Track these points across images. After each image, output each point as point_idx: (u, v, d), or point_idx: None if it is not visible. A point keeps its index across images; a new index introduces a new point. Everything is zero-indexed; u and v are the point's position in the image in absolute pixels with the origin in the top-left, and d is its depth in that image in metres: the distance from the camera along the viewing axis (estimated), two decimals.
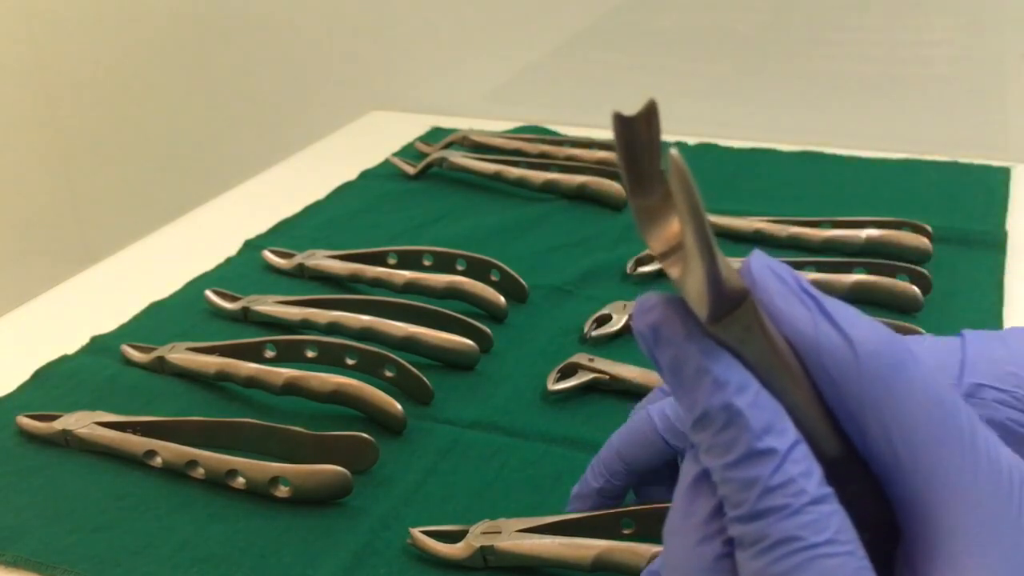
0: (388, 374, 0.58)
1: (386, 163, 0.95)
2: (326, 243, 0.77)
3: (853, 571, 0.23)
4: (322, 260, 0.73)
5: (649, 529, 0.44)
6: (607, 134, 0.97)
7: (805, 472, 0.24)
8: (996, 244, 0.75)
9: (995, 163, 0.90)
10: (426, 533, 0.47)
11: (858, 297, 0.66)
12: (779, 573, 0.23)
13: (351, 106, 1.14)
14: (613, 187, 0.84)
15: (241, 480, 0.51)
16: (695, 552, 0.25)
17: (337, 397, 0.56)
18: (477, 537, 0.45)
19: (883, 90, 0.98)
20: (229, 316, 0.68)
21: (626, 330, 0.64)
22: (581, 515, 0.45)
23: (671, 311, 0.24)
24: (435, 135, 1.02)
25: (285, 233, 0.82)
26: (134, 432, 0.54)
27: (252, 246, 0.79)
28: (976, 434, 0.25)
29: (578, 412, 0.57)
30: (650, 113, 0.23)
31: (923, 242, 0.72)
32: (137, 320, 0.69)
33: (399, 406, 0.55)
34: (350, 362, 0.58)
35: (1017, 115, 0.94)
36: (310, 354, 0.59)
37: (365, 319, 0.62)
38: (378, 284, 0.69)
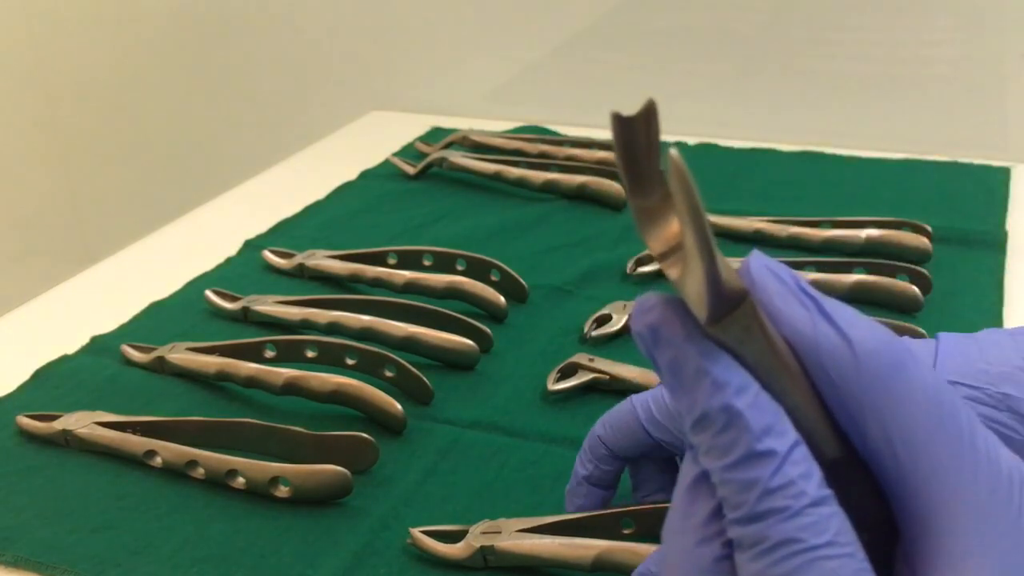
0: (388, 374, 0.58)
1: (386, 163, 0.95)
2: (326, 243, 0.77)
3: (853, 573, 0.23)
4: (322, 260, 0.73)
5: (649, 529, 0.44)
6: (607, 134, 0.97)
7: (805, 474, 0.24)
8: (996, 244, 0.75)
9: (995, 163, 0.90)
10: (426, 533, 0.47)
11: (858, 297, 0.66)
12: (779, 575, 0.23)
13: (351, 106, 1.14)
14: (613, 187, 0.84)
15: (241, 480, 0.51)
16: (694, 554, 0.25)
17: (337, 397, 0.56)
18: (477, 537, 0.45)
19: (883, 90, 0.98)
20: (229, 316, 0.68)
21: (626, 330, 0.64)
22: (581, 515, 0.45)
23: (670, 312, 0.24)
24: (435, 135, 1.02)
25: (285, 233, 0.82)
26: (134, 432, 0.54)
27: (252, 246, 0.79)
28: (976, 435, 0.25)
29: (578, 412, 0.57)
30: (649, 113, 0.23)
31: (923, 242, 0.72)
32: (137, 320, 0.69)
33: (399, 406, 0.55)
34: (350, 362, 0.58)
35: (1017, 115, 0.94)
36: (310, 354, 0.59)
37: (365, 319, 0.62)
38: (378, 284, 0.69)
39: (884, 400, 0.25)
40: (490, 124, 1.02)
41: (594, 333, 0.64)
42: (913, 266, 0.68)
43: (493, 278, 0.69)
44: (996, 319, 0.66)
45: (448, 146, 0.97)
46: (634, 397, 0.44)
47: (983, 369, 0.37)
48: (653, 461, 0.45)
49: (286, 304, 0.66)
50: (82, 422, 0.55)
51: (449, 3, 1.11)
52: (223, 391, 0.60)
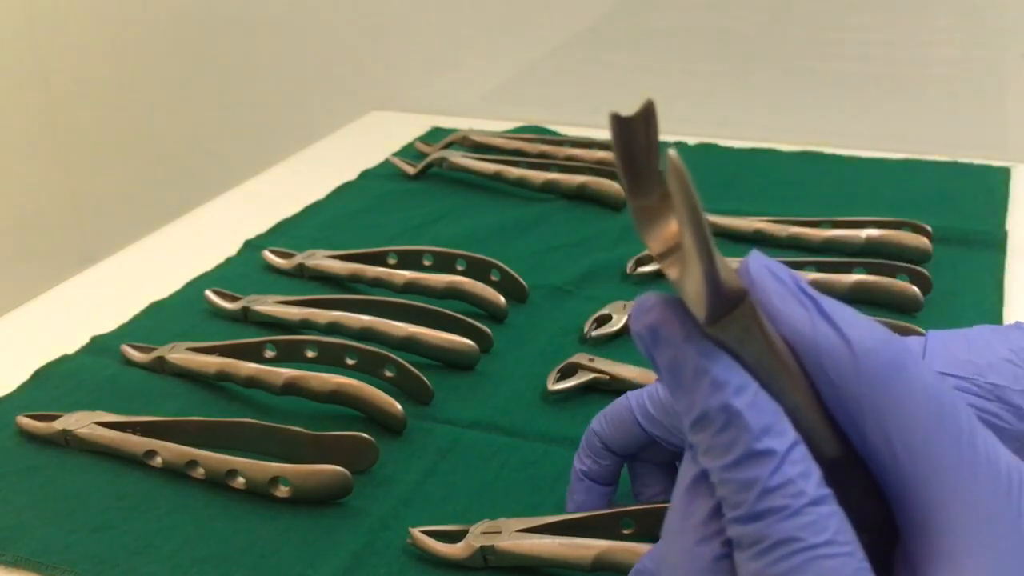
0: (388, 374, 0.58)
1: (386, 163, 0.95)
2: (326, 243, 0.77)
3: (852, 572, 0.23)
4: (322, 260, 0.73)
5: (649, 529, 0.44)
6: (607, 134, 0.97)
7: (804, 473, 0.24)
8: (996, 244, 0.75)
9: (995, 163, 0.90)
10: (426, 533, 0.47)
11: (858, 297, 0.66)
12: (778, 574, 0.23)
13: (351, 106, 1.14)
14: (613, 187, 0.84)
15: (241, 480, 0.51)
16: (694, 553, 0.25)
17: (337, 397, 0.56)
18: (477, 537, 0.45)
19: (883, 90, 0.98)
20: (229, 316, 0.68)
21: (626, 330, 0.64)
22: (581, 515, 0.45)
23: (669, 312, 0.24)
24: (435, 135, 1.02)
25: (285, 233, 0.82)
26: (134, 432, 0.54)
27: (252, 246, 0.79)
28: (975, 434, 0.25)
29: (578, 412, 0.57)
30: (648, 113, 0.23)
31: (923, 242, 0.72)
32: (137, 320, 0.69)
33: (399, 406, 0.55)
34: (350, 362, 0.58)
35: (1017, 115, 0.94)
36: (310, 354, 0.59)
37: (365, 319, 0.62)
38: (378, 284, 0.70)
39: (883, 400, 0.25)
40: (490, 124, 1.02)
41: (594, 333, 0.64)
42: (913, 266, 0.68)
43: (493, 278, 0.69)
44: (996, 319, 0.66)
45: (448, 146, 0.97)
46: (630, 393, 0.44)
47: (971, 361, 0.38)
48: (652, 463, 0.45)
49: (286, 304, 0.66)
50: (82, 422, 0.55)
51: (449, 3, 1.11)
52: (223, 391, 0.60)
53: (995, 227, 0.78)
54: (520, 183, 0.87)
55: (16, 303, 0.73)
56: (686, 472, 0.26)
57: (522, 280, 0.69)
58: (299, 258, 0.74)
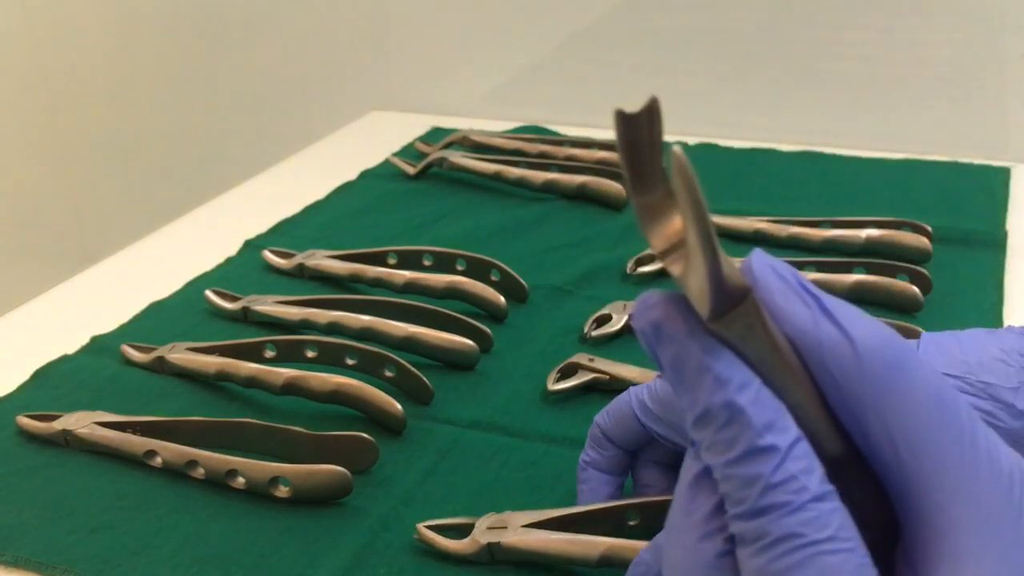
0: (388, 374, 0.58)
1: (386, 163, 0.95)
2: (326, 243, 0.77)
3: (854, 568, 0.23)
4: (322, 260, 0.73)
5: (654, 521, 0.44)
6: (607, 134, 0.98)
7: (806, 469, 0.24)
8: (996, 244, 0.75)
9: (995, 163, 0.90)
10: (432, 528, 0.47)
11: (858, 297, 0.66)
12: (780, 570, 0.23)
13: (351, 106, 1.14)
14: (613, 187, 0.84)
15: (241, 480, 0.51)
16: (696, 550, 0.25)
17: (337, 397, 0.56)
18: (483, 533, 0.45)
19: (883, 90, 0.98)
20: (229, 316, 0.68)
21: (626, 330, 0.64)
22: (586, 508, 0.45)
23: (673, 308, 0.24)
24: (435, 135, 1.02)
25: (285, 233, 0.82)
26: (134, 432, 0.54)
27: (252, 246, 0.79)
28: (976, 433, 0.25)
29: (578, 412, 0.57)
30: (652, 110, 0.23)
31: (923, 242, 0.72)
32: (137, 320, 0.69)
33: (399, 406, 0.55)
34: (350, 362, 0.58)
35: (1017, 115, 0.94)
36: (310, 354, 0.59)
37: (365, 319, 0.62)
38: (378, 284, 0.69)
39: (885, 398, 0.25)
40: (490, 124, 1.02)
41: (594, 333, 0.64)
42: (913, 266, 0.68)
43: (493, 278, 0.69)
44: (996, 319, 0.66)
45: (448, 146, 0.97)
46: (633, 389, 0.44)
47: (963, 360, 0.38)
48: (654, 463, 0.45)
49: (286, 304, 0.66)
50: (82, 422, 0.55)
51: (449, 3, 1.11)
52: (223, 391, 0.60)
53: (995, 227, 0.78)
54: (520, 183, 0.87)
55: (16, 303, 0.73)
56: (688, 469, 0.26)
57: (522, 280, 0.69)
58: (299, 258, 0.74)
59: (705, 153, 0.96)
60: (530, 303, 0.69)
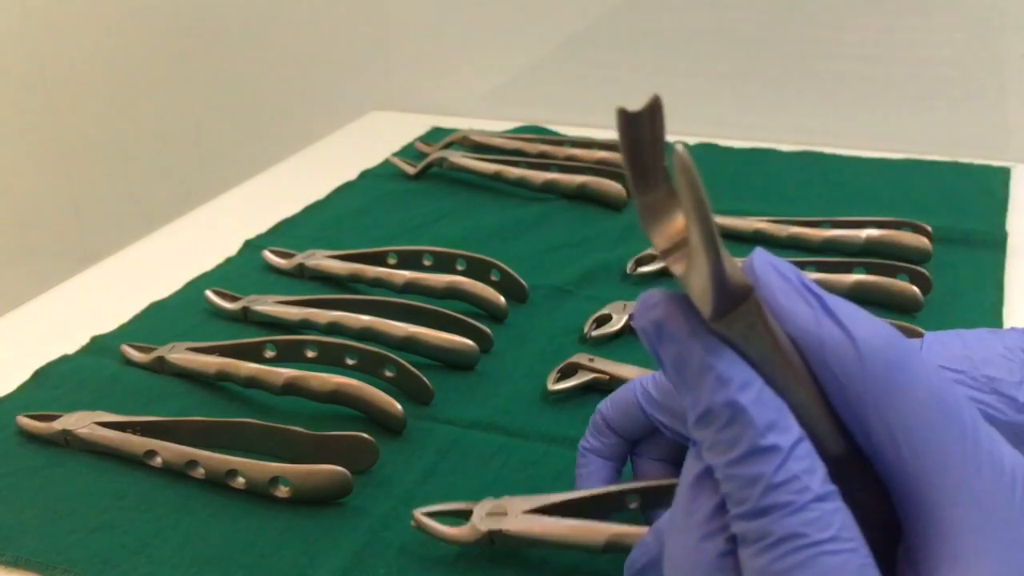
0: (388, 374, 0.58)
1: (386, 163, 0.95)
2: (326, 243, 0.77)
3: (856, 568, 0.23)
4: (322, 260, 0.73)
5: (654, 502, 0.44)
6: (607, 134, 0.98)
7: (808, 469, 0.24)
8: (996, 244, 0.75)
9: (995, 163, 0.90)
10: (429, 515, 0.46)
11: (858, 297, 0.66)
12: (782, 570, 0.23)
13: (351, 106, 1.14)
14: (613, 187, 0.84)
15: (241, 480, 0.51)
16: (698, 549, 0.25)
17: (337, 397, 0.56)
18: (484, 520, 0.44)
19: (883, 90, 0.98)
20: (229, 316, 0.68)
21: (626, 330, 0.64)
22: (587, 493, 0.44)
23: (675, 307, 0.24)
24: (435, 135, 1.02)
25: (285, 233, 0.82)
26: (134, 432, 0.54)
27: (252, 246, 0.79)
28: (978, 433, 0.25)
29: (578, 412, 0.57)
30: (654, 109, 0.23)
31: (923, 242, 0.71)
32: (137, 320, 0.69)
33: (399, 406, 0.55)
34: (350, 362, 0.58)
35: (1017, 115, 0.94)
36: (310, 354, 0.59)
37: (365, 319, 0.62)
38: (378, 284, 0.69)
39: (888, 398, 0.25)
40: (490, 124, 1.02)
41: (594, 333, 0.64)
42: (913, 266, 0.68)
43: (493, 278, 0.69)
44: (996, 319, 0.66)
45: (448, 146, 0.96)
46: (638, 378, 0.44)
47: (966, 356, 0.38)
48: (653, 459, 0.45)
49: (286, 304, 0.66)
50: (82, 422, 0.55)
51: (449, 3, 1.11)
52: (223, 391, 0.60)
53: (995, 227, 0.78)
54: (520, 183, 0.87)
55: (16, 303, 0.73)
56: (690, 468, 0.26)
57: (522, 280, 0.69)
58: (299, 258, 0.74)
59: (705, 153, 0.96)
60: (530, 303, 0.69)
